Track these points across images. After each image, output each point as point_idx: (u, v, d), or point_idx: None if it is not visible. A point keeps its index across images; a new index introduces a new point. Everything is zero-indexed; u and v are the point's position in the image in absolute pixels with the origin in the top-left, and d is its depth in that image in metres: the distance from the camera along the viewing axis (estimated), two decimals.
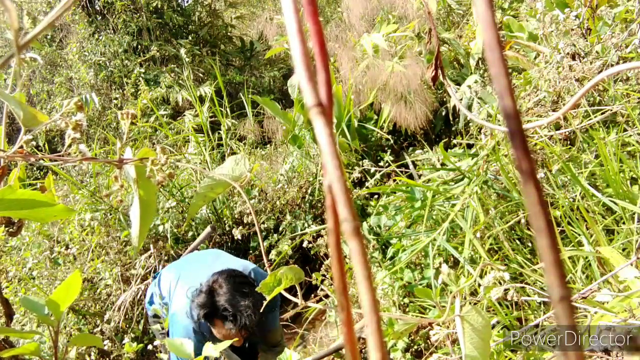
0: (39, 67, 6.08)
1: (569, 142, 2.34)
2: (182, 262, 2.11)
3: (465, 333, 0.76)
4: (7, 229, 0.72)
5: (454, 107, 3.88)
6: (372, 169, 3.16)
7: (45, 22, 0.34)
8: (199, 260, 2.08)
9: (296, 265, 0.81)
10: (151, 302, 2.04)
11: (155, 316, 2.03)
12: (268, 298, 0.83)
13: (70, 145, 0.50)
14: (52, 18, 0.34)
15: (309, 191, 3.38)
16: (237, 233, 2.40)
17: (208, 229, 2.65)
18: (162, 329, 1.95)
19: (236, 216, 3.30)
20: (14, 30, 0.30)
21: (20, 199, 0.48)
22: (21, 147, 0.52)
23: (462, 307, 0.79)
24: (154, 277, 2.15)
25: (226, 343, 0.93)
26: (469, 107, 3.49)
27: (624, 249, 1.69)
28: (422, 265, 2.37)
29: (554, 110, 2.30)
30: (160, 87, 5.40)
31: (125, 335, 2.75)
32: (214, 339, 1.76)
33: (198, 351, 1.52)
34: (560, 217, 1.85)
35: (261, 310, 1.74)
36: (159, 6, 5.82)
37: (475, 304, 1.57)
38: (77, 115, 0.52)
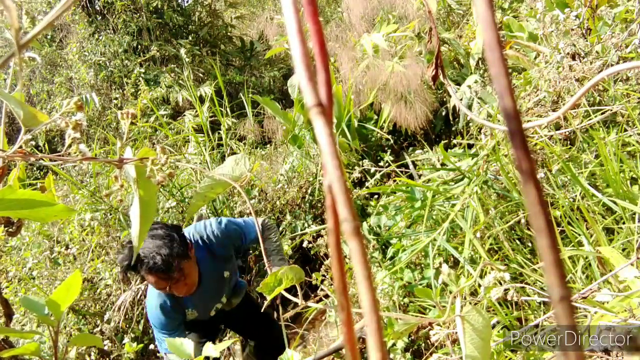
0: (39, 67, 6.08)
1: (569, 142, 2.34)
2: None
3: (466, 333, 0.76)
4: (6, 229, 0.72)
5: (454, 107, 3.88)
6: (372, 169, 3.16)
7: (45, 21, 0.34)
8: None
9: (296, 265, 0.81)
10: None
11: None
12: (269, 298, 0.83)
13: (70, 145, 0.50)
14: (52, 17, 0.34)
15: (309, 191, 3.38)
16: None
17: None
18: None
19: (236, 216, 3.30)
20: (14, 29, 0.30)
21: (20, 199, 0.48)
22: (21, 146, 0.52)
23: (462, 307, 0.79)
24: None
25: (226, 343, 0.93)
26: (469, 107, 3.49)
27: (624, 249, 1.69)
28: (422, 265, 2.37)
29: (554, 110, 2.30)
30: (160, 87, 5.40)
31: (125, 336, 2.75)
32: (177, 299, 1.77)
33: (171, 324, 1.56)
34: (560, 217, 1.85)
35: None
36: (159, 6, 5.82)
37: (475, 304, 1.57)
38: (77, 115, 0.52)
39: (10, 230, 0.73)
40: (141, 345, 2.09)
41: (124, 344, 2.46)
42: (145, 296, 2.84)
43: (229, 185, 0.79)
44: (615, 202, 1.79)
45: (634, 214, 1.69)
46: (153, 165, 0.52)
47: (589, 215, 1.72)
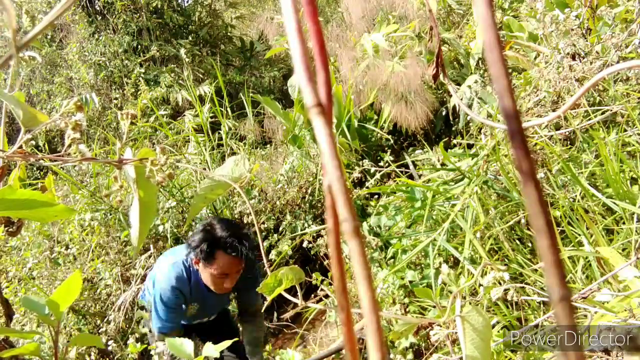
0: (39, 67, 6.08)
1: (569, 142, 2.34)
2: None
3: (466, 333, 0.76)
4: (6, 228, 0.72)
5: (454, 107, 3.88)
6: (372, 169, 3.16)
7: (45, 21, 0.34)
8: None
9: (296, 266, 0.81)
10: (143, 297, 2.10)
11: (143, 308, 2.09)
12: (269, 298, 0.82)
13: (69, 146, 0.50)
14: (52, 17, 0.34)
15: (309, 191, 3.38)
16: None
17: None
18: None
19: (236, 216, 3.30)
20: (12, 29, 0.30)
21: (21, 199, 0.48)
22: (21, 147, 0.52)
23: (462, 307, 0.79)
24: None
25: (226, 343, 0.93)
26: (469, 107, 3.49)
27: (624, 249, 1.69)
28: (422, 265, 2.37)
29: (553, 110, 2.30)
30: (161, 87, 5.40)
31: (125, 336, 2.75)
32: (197, 289, 1.86)
33: (176, 302, 1.60)
34: (561, 217, 1.85)
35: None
36: (159, 6, 5.82)
37: (476, 304, 1.57)
38: (77, 115, 0.52)
39: (11, 230, 0.73)
40: (145, 346, 2.09)
41: (128, 344, 2.45)
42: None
43: (229, 186, 0.79)
44: (615, 203, 1.79)
45: (634, 213, 1.69)
46: (152, 166, 0.52)
47: (586, 216, 1.72)
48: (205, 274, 1.78)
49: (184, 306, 1.89)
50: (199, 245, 1.70)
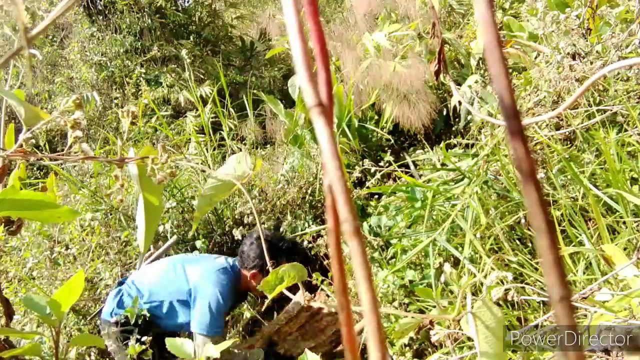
0: (40, 66, 6.09)
1: (569, 142, 2.34)
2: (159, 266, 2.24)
3: (479, 331, 0.73)
4: (6, 228, 0.72)
5: (455, 107, 3.88)
6: (373, 169, 3.15)
7: (50, 17, 0.34)
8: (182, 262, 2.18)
9: (298, 263, 0.81)
10: (121, 308, 2.05)
11: (117, 324, 2.04)
12: (270, 297, 0.82)
13: (72, 145, 0.50)
14: (58, 14, 0.34)
15: (309, 191, 3.38)
16: (237, 233, 2.41)
17: (174, 238, 2.77)
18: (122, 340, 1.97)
19: (236, 216, 3.30)
20: (22, 24, 0.30)
21: (24, 199, 0.48)
22: (21, 145, 0.52)
23: (472, 304, 0.76)
24: (118, 286, 2.18)
25: (227, 343, 0.93)
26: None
27: (624, 249, 1.69)
28: (423, 265, 2.37)
29: (553, 110, 2.30)
30: (162, 87, 5.40)
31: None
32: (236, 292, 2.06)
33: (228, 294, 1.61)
34: (562, 215, 1.85)
35: None
36: (162, 6, 5.82)
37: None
38: (76, 114, 0.52)
39: (11, 229, 0.73)
40: (145, 347, 2.09)
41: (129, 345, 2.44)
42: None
43: (234, 187, 0.79)
44: (616, 201, 1.79)
45: (635, 213, 1.69)
46: (154, 165, 0.52)
47: (596, 209, 1.71)
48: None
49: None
50: (260, 256, 1.83)
